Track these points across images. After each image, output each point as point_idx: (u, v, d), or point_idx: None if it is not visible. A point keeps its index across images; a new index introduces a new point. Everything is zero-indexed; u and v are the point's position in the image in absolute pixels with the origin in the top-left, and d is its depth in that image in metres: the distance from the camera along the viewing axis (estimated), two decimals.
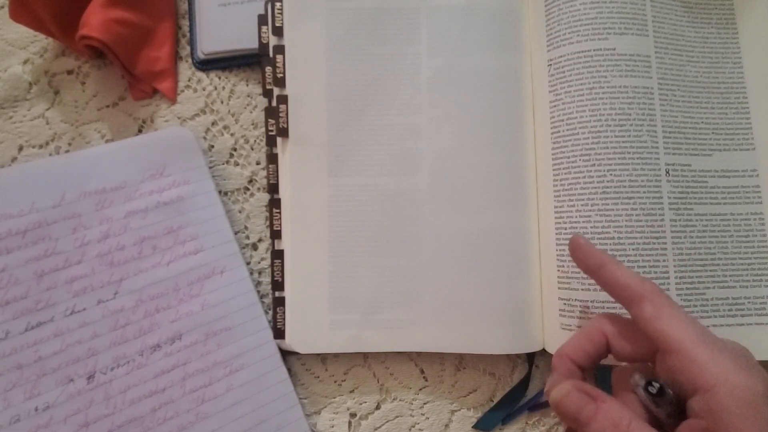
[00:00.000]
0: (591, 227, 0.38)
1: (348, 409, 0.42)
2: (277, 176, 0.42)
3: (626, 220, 0.38)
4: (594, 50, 0.39)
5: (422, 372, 0.42)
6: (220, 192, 0.43)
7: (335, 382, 0.42)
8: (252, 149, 0.45)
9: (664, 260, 0.38)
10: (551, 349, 0.40)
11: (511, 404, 0.41)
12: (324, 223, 0.41)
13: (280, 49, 0.42)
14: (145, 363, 0.38)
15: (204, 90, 0.45)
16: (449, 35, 0.42)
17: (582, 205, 0.39)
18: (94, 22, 0.41)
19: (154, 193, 0.41)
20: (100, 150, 0.41)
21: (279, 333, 0.41)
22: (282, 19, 0.42)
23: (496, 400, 0.42)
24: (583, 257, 0.33)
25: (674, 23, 0.41)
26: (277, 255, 0.42)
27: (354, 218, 0.41)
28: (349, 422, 0.41)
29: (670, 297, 0.30)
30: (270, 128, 0.42)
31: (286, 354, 0.41)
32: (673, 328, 0.27)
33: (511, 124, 0.42)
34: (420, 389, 0.42)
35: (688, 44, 0.41)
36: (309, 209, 0.41)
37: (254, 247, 0.43)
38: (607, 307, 0.37)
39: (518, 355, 0.42)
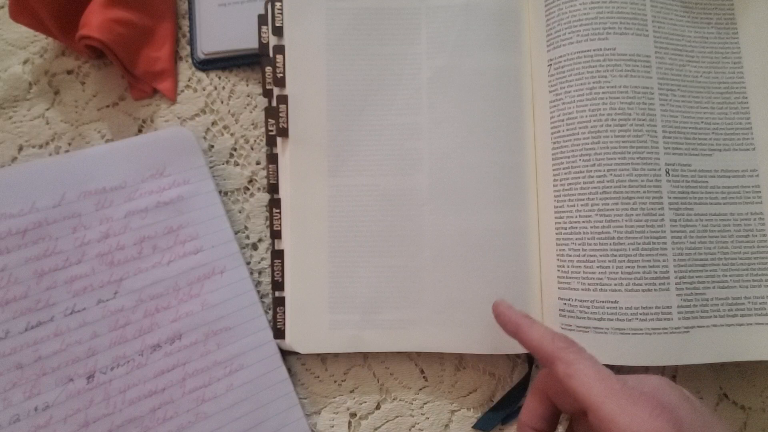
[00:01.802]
0: (591, 227, 0.38)
1: (348, 409, 0.42)
2: (277, 176, 0.42)
3: (626, 220, 0.38)
4: (594, 50, 0.39)
5: (422, 372, 0.42)
6: (220, 192, 0.43)
7: (335, 382, 0.42)
8: (252, 149, 0.45)
9: (664, 260, 0.38)
10: None
11: (511, 404, 0.41)
12: (324, 223, 0.41)
13: (280, 49, 0.42)
14: (145, 363, 0.38)
15: (204, 90, 0.45)
16: (449, 35, 0.42)
17: (582, 205, 0.39)
18: (94, 22, 0.41)
19: (154, 193, 0.41)
20: (100, 150, 0.41)
21: (279, 333, 0.41)
22: (282, 19, 0.42)
23: (496, 400, 0.42)
24: (502, 323, 0.35)
25: (674, 23, 0.41)
26: (277, 255, 0.42)
27: (354, 218, 0.41)
28: (349, 422, 0.41)
29: (583, 349, 0.29)
30: (270, 128, 0.42)
31: (286, 354, 0.41)
32: (583, 386, 0.27)
33: (511, 124, 0.42)
34: (420, 389, 0.42)
35: (688, 44, 0.41)
36: (309, 209, 0.41)
37: (254, 247, 0.43)
38: (608, 308, 0.37)
39: (518, 355, 0.42)
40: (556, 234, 0.40)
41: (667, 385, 0.28)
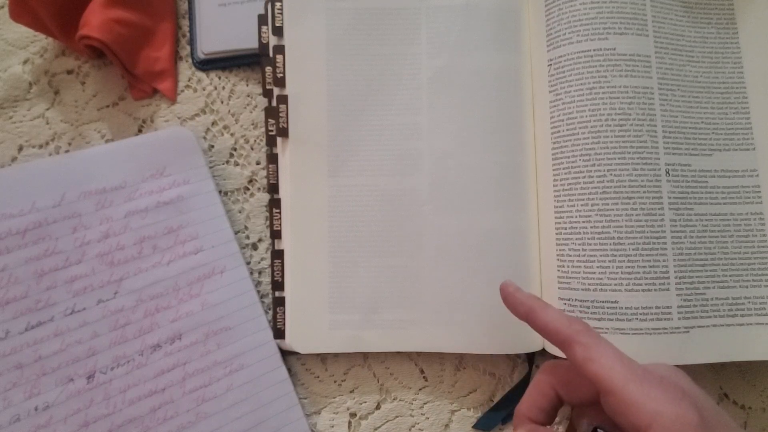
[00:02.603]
0: (591, 227, 0.38)
1: (348, 409, 0.42)
2: (277, 176, 0.42)
3: (626, 220, 0.38)
4: (594, 50, 0.39)
5: (422, 372, 0.42)
6: (220, 192, 0.43)
7: (335, 382, 0.42)
8: (252, 149, 0.45)
9: (664, 260, 0.38)
10: (551, 349, 0.40)
11: (511, 404, 0.41)
12: (324, 223, 0.41)
13: (280, 49, 0.42)
14: (145, 363, 0.38)
15: (204, 90, 0.45)
16: (449, 35, 0.42)
17: (582, 205, 0.39)
18: (94, 22, 0.41)
19: (154, 193, 0.41)
20: (101, 150, 0.41)
21: (279, 333, 0.41)
22: (282, 19, 0.42)
23: (496, 400, 0.42)
24: (512, 306, 0.33)
25: (674, 23, 0.41)
26: (277, 255, 0.42)
27: (354, 218, 0.41)
28: (349, 422, 0.41)
29: (598, 335, 0.29)
30: (270, 128, 0.42)
31: (286, 354, 0.41)
32: (604, 369, 0.27)
33: (511, 124, 0.42)
34: (420, 389, 0.42)
35: (688, 44, 0.41)
36: (309, 209, 0.41)
37: (254, 247, 0.43)
38: (608, 308, 0.37)
39: (518, 355, 0.42)
40: (556, 234, 0.40)
41: (678, 371, 0.28)
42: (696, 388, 0.27)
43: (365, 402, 0.42)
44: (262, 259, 0.43)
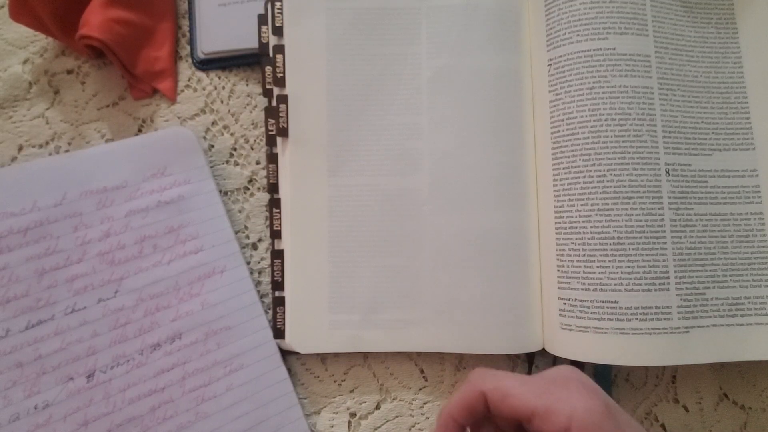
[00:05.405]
0: (591, 227, 0.38)
1: (348, 409, 0.42)
2: (277, 176, 0.42)
3: (626, 220, 0.38)
4: (594, 50, 0.39)
5: (422, 372, 0.42)
6: (220, 192, 0.43)
7: (335, 382, 0.42)
8: (252, 149, 0.45)
9: (664, 260, 0.38)
10: (551, 349, 0.40)
11: None
12: (324, 223, 0.41)
13: (280, 49, 0.42)
14: (144, 362, 0.38)
15: (204, 90, 0.45)
16: (449, 35, 0.42)
17: (582, 205, 0.39)
18: (94, 21, 0.41)
19: (154, 193, 0.41)
20: (102, 149, 0.41)
21: (279, 333, 0.41)
22: (282, 19, 0.42)
23: None
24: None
25: (674, 23, 0.41)
26: (277, 255, 0.42)
27: (354, 218, 0.41)
28: (349, 422, 0.41)
29: (491, 372, 0.30)
30: (270, 128, 0.42)
31: (286, 354, 0.41)
32: (518, 400, 0.28)
33: (511, 124, 0.42)
34: (420, 389, 0.42)
35: (688, 44, 0.41)
36: (309, 209, 0.42)
37: (254, 246, 0.43)
38: (608, 308, 0.37)
39: (518, 355, 0.42)
40: (556, 234, 0.40)
41: (575, 369, 0.30)
42: (591, 381, 0.29)
43: (365, 402, 0.42)
44: (262, 258, 0.43)
